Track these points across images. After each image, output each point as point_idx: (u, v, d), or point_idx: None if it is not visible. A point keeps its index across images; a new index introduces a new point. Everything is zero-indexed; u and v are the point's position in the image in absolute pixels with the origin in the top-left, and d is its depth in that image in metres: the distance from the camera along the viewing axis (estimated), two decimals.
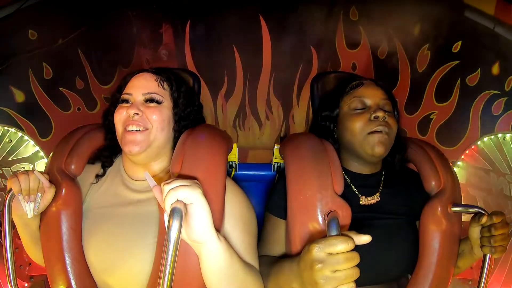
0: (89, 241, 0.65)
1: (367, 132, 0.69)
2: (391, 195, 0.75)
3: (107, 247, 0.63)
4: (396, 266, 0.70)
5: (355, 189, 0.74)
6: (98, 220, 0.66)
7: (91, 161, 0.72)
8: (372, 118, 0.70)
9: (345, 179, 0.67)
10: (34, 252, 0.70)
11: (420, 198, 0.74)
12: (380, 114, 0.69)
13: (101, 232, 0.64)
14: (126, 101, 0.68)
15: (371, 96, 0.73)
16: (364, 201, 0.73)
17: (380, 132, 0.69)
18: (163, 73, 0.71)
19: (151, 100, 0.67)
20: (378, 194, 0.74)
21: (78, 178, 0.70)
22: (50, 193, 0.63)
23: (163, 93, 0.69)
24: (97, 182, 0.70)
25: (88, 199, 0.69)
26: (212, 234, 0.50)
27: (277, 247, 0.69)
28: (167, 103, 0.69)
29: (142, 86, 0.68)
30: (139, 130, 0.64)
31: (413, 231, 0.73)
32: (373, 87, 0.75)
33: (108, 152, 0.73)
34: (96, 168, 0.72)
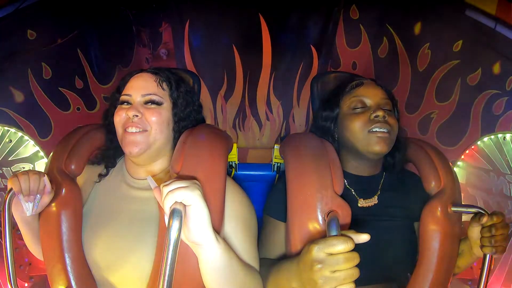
0: (91, 239, 0.65)
1: (368, 131, 0.69)
2: (389, 198, 0.75)
3: (108, 245, 0.63)
4: (395, 266, 0.70)
5: (353, 192, 0.74)
6: (100, 218, 0.66)
7: (96, 162, 0.73)
8: (372, 117, 0.70)
9: (344, 183, 0.67)
10: (36, 249, 0.70)
11: (419, 200, 0.74)
12: (380, 113, 0.69)
13: (103, 230, 0.65)
14: (126, 102, 0.67)
15: (371, 95, 0.73)
16: (362, 203, 0.73)
17: (381, 131, 0.69)
18: (162, 73, 0.71)
19: (150, 102, 0.67)
20: (376, 197, 0.74)
21: (82, 178, 0.70)
22: (49, 195, 0.63)
23: (162, 93, 0.69)
24: (100, 182, 0.71)
25: (91, 198, 0.70)
26: (210, 236, 0.50)
27: (276, 250, 0.69)
28: (167, 104, 0.69)
29: (141, 87, 0.67)
30: (139, 131, 0.64)
31: (410, 232, 0.73)
32: (373, 87, 0.75)
33: (111, 153, 0.73)
34: (100, 167, 0.73)
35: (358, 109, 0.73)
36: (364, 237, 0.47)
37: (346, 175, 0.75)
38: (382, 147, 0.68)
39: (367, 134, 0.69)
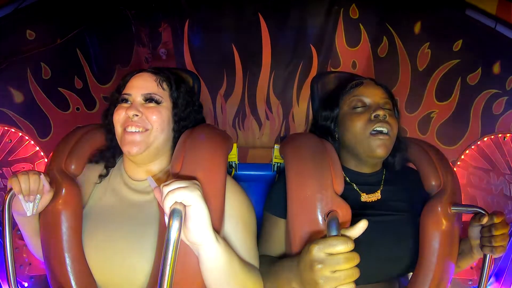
0: (90, 240, 0.65)
1: (369, 133, 0.69)
2: (392, 192, 0.75)
3: (108, 246, 0.63)
4: (398, 262, 0.70)
5: (355, 187, 0.74)
6: (100, 219, 0.66)
7: (95, 160, 0.73)
8: (372, 117, 0.70)
9: (345, 178, 0.67)
10: (36, 249, 0.70)
11: (421, 195, 0.74)
12: (380, 112, 0.69)
13: (103, 231, 0.65)
14: (126, 100, 0.67)
15: (371, 95, 0.73)
16: (365, 198, 0.73)
17: (381, 132, 0.69)
18: (162, 73, 0.71)
19: (150, 100, 0.67)
20: (379, 192, 0.74)
21: (82, 178, 0.70)
22: (48, 194, 0.63)
23: (162, 93, 0.69)
24: (100, 182, 0.71)
25: (91, 199, 0.69)
26: (210, 236, 0.50)
27: (276, 247, 0.69)
28: (167, 104, 0.69)
29: (141, 86, 0.67)
30: (139, 131, 0.64)
31: (415, 227, 0.73)
32: (373, 86, 0.75)
33: (111, 153, 0.73)
34: (100, 168, 0.72)
35: (358, 109, 0.73)
36: (361, 225, 0.48)
37: (347, 171, 0.75)
38: (382, 151, 0.69)
39: (368, 137, 0.69)
